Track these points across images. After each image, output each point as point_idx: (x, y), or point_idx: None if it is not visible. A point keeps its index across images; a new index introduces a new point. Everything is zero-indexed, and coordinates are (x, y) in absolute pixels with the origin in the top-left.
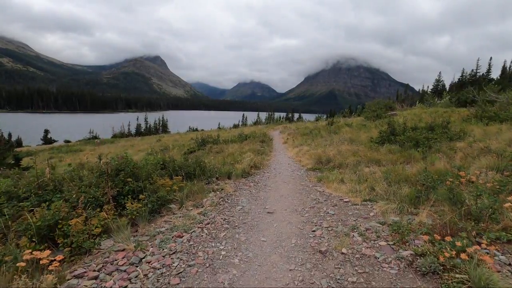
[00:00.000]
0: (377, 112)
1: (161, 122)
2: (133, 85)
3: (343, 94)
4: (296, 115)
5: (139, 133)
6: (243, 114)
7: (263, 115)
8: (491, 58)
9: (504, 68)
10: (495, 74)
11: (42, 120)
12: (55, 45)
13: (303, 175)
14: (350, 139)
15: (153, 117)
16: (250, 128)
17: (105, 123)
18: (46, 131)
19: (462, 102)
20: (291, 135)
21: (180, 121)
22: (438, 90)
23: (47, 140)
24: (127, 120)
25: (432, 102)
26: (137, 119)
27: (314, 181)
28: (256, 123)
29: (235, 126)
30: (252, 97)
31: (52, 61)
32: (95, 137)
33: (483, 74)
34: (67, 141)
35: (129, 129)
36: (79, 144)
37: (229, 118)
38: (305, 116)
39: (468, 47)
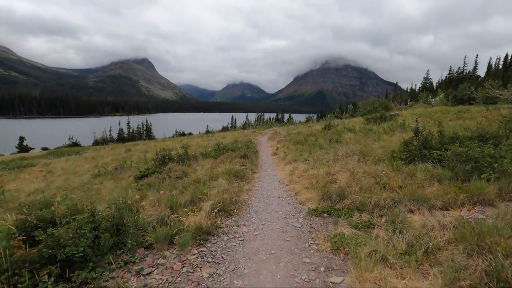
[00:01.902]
0: (380, 113)
1: (144, 127)
2: (121, 88)
3: (332, 93)
4: (286, 116)
5: (121, 138)
6: (232, 116)
7: (253, 116)
8: (477, 55)
9: (489, 65)
10: (480, 71)
11: (22, 126)
12: (40, 49)
13: (304, 229)
14: (361, 152)
15: (141, 120)
16: (234, 134)
17: (88, 128)
18: (21, 138)
19: (458, 100)
20: (281, 143)
21: (168, 124)
22: (427, 88)
23: (22, 148)
24: (113, 124)
25: (427, 100)
26: (119, 123)
27: (327, 249)
28: (245, 125)
29: (224, 129)
30: (241, 98)
31: (36, 65)
32: (75, 144)
33: (469, 71)
34: (45, 148)
35: (110, 134)
36: (38, 156)
37: (219, 120)
38: (295, 116)
39: (451, 46)
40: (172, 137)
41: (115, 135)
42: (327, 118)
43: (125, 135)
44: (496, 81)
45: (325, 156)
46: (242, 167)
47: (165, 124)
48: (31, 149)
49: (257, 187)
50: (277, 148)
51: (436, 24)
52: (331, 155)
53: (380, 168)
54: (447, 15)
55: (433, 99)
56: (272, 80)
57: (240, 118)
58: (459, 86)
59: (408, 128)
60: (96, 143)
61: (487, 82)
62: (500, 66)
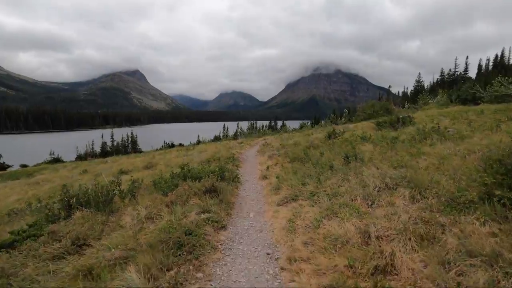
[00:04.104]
0: (398, 116)
1: (129, 139)
2: (112, 100)
3: (324, 99)
4: (279, 123)
5: (104, 152)
6: (224, 125)
7: (246, 124)
8: (467, 57)
9: (480, 66)
10: (470, 73)
11: (6, 142)
12: (30, 64)
13: None
14: (409, 181)
15: (130, 132)
16: (217, 147)
17: (76, 142)
18: None
19: (462, 99)
20: (273, 159)
21: (160, 135)
22: (419, 91)
23: None
24: (100, 137)
25: (426, 101)
26: (102, 136)
27: None
28: (236, 134)
29: (216, 138)
30: (234, 107)
31: (25, 80)
32: (57, 159)
33: (460, 73)
34: (24, 165)
35: (92, 148)
36: None
37: (212, 129)
38: (289, 123)
39: (437, 50)
40: (161, 148)
41: (95, 150)
42: (322, 124)
43: (108, 149)
44: (507, 77)
45: (345, 187)
46: (202, 217)
47: (156, 135)
48: (9, 166)
49: (216, 281)
50: (268, 167)
51: (421, 30)
52: (354, 184)
53: (478, 225)
54: (430, 21)
55: (431, 101)
56: (265, 88)
57: (233, 126)
58: (453, 87)
59: (445, 133)
60: (80, 157)
61: (497, 78)
62: (490, 68)
